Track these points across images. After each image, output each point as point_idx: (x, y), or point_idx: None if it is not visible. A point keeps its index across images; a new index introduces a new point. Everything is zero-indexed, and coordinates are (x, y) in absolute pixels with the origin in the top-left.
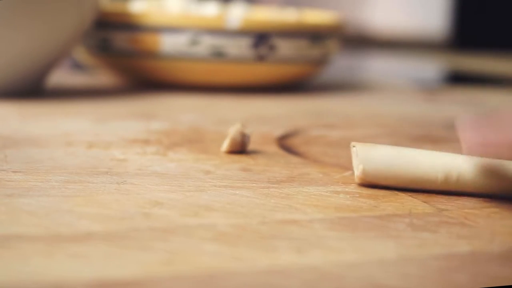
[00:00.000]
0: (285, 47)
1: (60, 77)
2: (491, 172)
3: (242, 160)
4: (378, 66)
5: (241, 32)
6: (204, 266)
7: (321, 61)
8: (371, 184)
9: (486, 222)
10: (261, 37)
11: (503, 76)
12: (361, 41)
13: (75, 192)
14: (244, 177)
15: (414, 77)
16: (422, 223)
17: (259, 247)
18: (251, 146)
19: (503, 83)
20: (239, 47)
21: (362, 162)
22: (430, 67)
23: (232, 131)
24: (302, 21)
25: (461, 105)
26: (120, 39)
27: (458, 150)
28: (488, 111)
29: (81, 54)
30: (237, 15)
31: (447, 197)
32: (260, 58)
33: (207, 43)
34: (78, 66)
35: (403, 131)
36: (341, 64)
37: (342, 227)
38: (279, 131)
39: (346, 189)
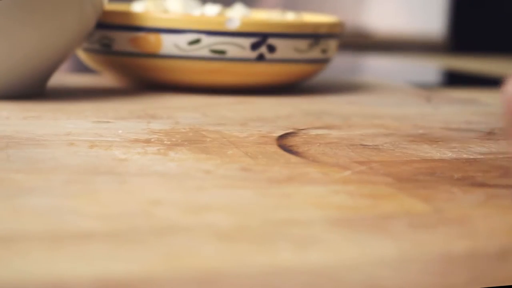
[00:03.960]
0: (284, 48)
1: (62, 77)
2: None
3: (242, 160)
4: (377, 68)
5: (240, 33)
6: (205, 266)
7: (320, 62)
8: None
9: (484, 222)
10: (261, 38)
11: (499, 77)
12: (360, 43)
13: (77, 192)
14: (244, 177)
15: (412, 78)
16: (421, 223)
17: (259, 247)
18: (251, 146)
19: (499, 83)
20: (239, 47)
21: None
22: (428, 69)
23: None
24: (301, 22)
25: (459, 106)
26: (121, 40)
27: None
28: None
29: (82, 55)
30: (237, 16)
31: (446, 196)
32: (260, 59)
33: (207, 43)
34: (83, 67)
35: (402, 131)
36: (340, 65)
37: (342, 226)
38: (278, 131)
39: (346, 189)
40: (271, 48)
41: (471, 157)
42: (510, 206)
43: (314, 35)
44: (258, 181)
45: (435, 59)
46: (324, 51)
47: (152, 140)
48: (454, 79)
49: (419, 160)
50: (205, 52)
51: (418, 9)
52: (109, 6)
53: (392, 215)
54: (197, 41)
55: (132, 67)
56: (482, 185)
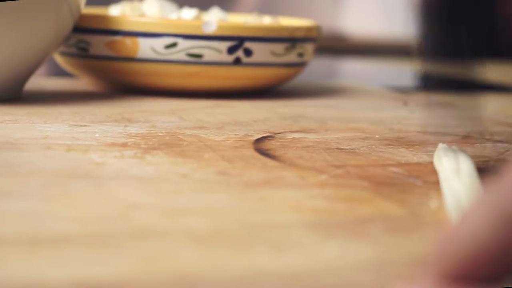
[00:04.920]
0: (261, 52)
1: (38, 81)
2: None
3: (219, 164)
4: (354, 71)
5: (217, 37)
6: (182, 270)
7: (297, 66)
8: None
9: None
10: (237, 41)
11: (476, 81)
12: (336, 47)
13: (54, 195)
14: (221, 180)
15: (389, 82)
16: (397, 227)
17: (236, 250)
18: (227, 150)
19: (475, 87)
20: (216, 51)
21: None
22: (404, 72)
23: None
24: (277, 26)
25: (435, 109)
26: (98, 44)
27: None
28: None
29: (59, 58)
30: (213, 20)
31: (422, 200)
32: (236, 62)
33: (184, 47)
34: (59, 71)
35: (378, 135)
36: (317, 69)
37: (318, 230)
38: (255, 135)
39: (322, 193)
40: (248, 52)
41: None
42: None
43: (290, 39)
44: (235, 185)
45: (411, 62)
46: (300, 54)
47: (129, 144)
48: (431, 83)
49: (396, 163)
50: (182, 56)
51: (394, 13)
52: (86, 10)
53: (368, 219)
54: (173, 45)
55: (108, 71)
56: None
